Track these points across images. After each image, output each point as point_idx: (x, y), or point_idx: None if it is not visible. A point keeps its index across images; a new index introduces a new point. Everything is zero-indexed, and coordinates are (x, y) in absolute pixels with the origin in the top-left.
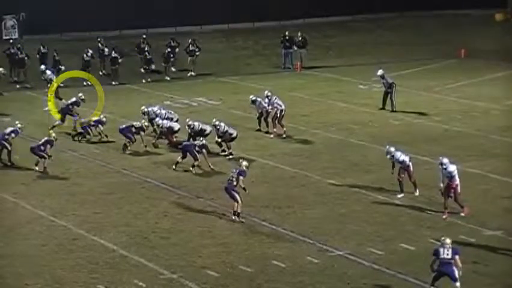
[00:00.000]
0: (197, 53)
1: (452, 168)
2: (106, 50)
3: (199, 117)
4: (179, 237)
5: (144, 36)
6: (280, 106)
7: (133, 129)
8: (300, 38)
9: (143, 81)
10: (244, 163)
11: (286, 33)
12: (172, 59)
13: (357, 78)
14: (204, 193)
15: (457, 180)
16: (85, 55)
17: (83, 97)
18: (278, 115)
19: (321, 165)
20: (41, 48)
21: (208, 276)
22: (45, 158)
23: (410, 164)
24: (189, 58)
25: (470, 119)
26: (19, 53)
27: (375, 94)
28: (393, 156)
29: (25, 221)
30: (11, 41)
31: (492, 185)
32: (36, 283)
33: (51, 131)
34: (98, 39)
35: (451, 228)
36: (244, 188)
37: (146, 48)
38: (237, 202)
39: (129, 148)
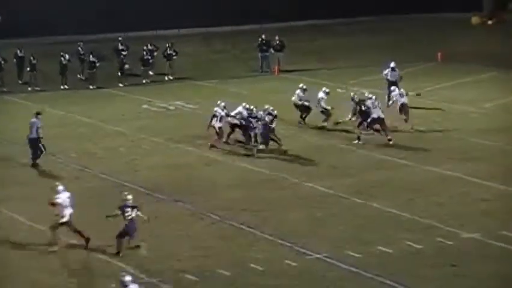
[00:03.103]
0: (174, 57)
1: None
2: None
3: (176, 121)
4: (158, 241)
5: (120, 38)
6: (402, 97)
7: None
8: (277, 42)
9: (120, 85)
10: None
11: (263, 36)
12: (150, 62)
13: (336, 82)
14: (183, 197)
15: None
16: (62, 59)
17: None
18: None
19: (300, 168)
20: (18, 52)
21: (187, 280)
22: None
23: None
24: (167, 62)
25: (448, 122)
26: None
27: None
28: None
29: (3, 225)
30: None
31: (470, 188)
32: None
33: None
34: (78, 44)
35: (428, 231)
36: None
37: (123, 51)
38: None
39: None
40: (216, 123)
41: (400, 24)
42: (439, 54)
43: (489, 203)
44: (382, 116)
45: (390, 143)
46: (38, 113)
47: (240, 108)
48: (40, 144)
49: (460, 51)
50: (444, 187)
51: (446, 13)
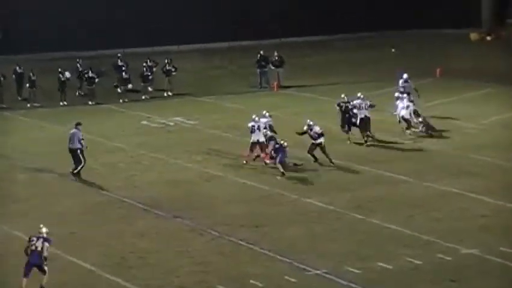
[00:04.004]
0: (173, 73)
1: None
2: (87, 71)
3: (176, 137)
4: (157, 257)
5: (119, 54)
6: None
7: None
8: (276, 58)
9: (120, 101)
10: None
11: (261, 52)
12: (150, 78)
13: (334, 97)
14: (181, 213)
15: None
16: (60, 75)
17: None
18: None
19: (299, 184)
20: (17, 68)
21: None
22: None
23: None
24: (166, 78)
25: (446, 138)
26: None
27: None
28: None
29: (0, 241)
30: None
31: (468, 204)
32: None
33: None
34: (77, 61)
35: (427, 247)
36: None
37: (123, 67)
38: None
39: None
40: (259, 137)
41: (399, 40)
42: (438, 70)
43: (488, 219)
44: (368, 115)
45: (367, 143)
46: (78, 124)
47: (263, 120)
48: (81, 155)
49: (459, 67)
50: (443, 203)
51: (444, 29)
